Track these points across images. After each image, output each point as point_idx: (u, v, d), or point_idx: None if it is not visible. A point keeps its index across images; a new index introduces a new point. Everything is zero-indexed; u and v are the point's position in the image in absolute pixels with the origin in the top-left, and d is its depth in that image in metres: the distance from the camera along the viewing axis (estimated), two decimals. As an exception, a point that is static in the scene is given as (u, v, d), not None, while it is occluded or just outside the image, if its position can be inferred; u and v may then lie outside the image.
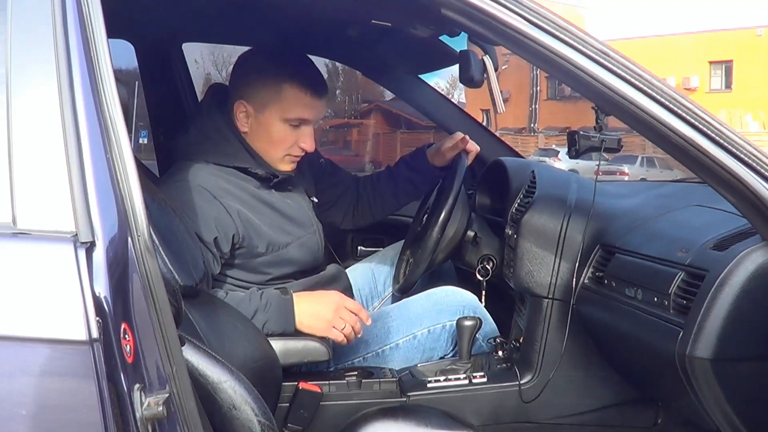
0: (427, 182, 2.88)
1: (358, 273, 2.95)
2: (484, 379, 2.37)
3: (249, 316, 2.21)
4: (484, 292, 2.69)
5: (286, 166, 2.47)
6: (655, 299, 1.99)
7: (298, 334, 2.29)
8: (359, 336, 2.36)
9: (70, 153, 1.22)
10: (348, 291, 2.73)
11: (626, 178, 20.08)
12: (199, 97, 3.58)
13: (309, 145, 2.44)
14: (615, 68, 1.67)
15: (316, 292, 2.39)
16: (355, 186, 2.94)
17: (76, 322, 1.14)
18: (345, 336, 2.31)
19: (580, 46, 1.66)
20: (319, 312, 2.30)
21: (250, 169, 2.40)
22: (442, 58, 2.87)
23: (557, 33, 1.66)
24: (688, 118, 1.66)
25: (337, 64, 3.63)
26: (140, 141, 6.06)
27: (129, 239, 1.23)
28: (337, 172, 2.95)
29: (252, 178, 2.41)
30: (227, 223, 2.30)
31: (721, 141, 1.67)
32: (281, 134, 2.41)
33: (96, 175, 1.22)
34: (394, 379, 2.35)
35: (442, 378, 2.36)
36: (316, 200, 2.71)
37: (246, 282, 2.38)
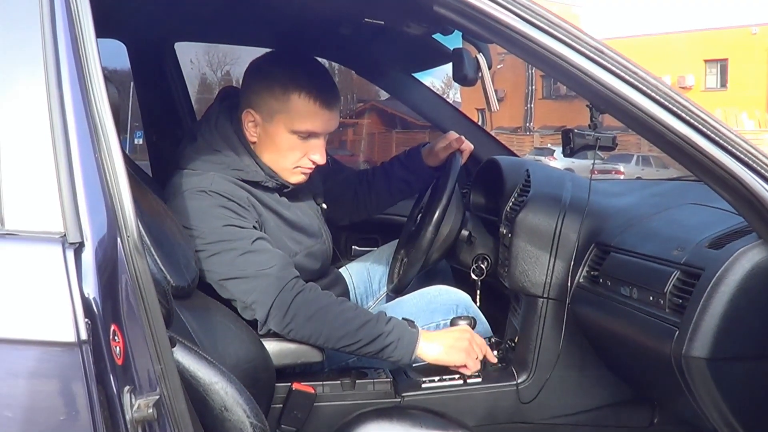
0: (422, 182, 2.86)
1: (353, 272, 2.94)
2: (479, 380, 2.35)
3: (366, 336, 2.20)
4: (479, 292, 2.67)
5: (297, 178, 2.41)
6: (651, 298, 1.98)
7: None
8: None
9: (58, 153, 1.21)
10: (346, 294, 2.71)
11: (622, 176, 20.12)
12: (193, 98, 3.58)
13: (320, 158, 2.37)
14: (610, 65, 1.65)
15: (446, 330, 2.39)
16: (356, 182, 2.93)
17: (64, 324, 1.13)
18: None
19: (575, 44, 1.64)
20: (454, 342, 2.31)
21: (261, 183, 2.35)
22: (436, 56, 2.86)
23: (552, 30, 1.64)
24: (683, 115, 1.65)
25: (332, 63, 3.61)
26: (135, 141, 6.04)
27: (118, 239, 1.22)
28: (343, 170, 2.93)
29: (261, 189, 2.36)
30: (251, 217, 2.28)
31: (718, 138, 1.65)
32: (289, 146, 2.33)
33: (85, 175, 1.20)
34: (389, 379, 2.33)
35: (436, 378, 2.34)
36: (325, 206, 2.67)
37: None
